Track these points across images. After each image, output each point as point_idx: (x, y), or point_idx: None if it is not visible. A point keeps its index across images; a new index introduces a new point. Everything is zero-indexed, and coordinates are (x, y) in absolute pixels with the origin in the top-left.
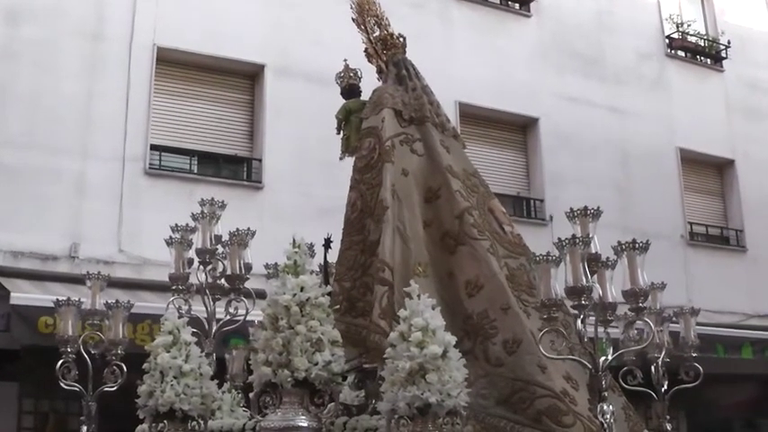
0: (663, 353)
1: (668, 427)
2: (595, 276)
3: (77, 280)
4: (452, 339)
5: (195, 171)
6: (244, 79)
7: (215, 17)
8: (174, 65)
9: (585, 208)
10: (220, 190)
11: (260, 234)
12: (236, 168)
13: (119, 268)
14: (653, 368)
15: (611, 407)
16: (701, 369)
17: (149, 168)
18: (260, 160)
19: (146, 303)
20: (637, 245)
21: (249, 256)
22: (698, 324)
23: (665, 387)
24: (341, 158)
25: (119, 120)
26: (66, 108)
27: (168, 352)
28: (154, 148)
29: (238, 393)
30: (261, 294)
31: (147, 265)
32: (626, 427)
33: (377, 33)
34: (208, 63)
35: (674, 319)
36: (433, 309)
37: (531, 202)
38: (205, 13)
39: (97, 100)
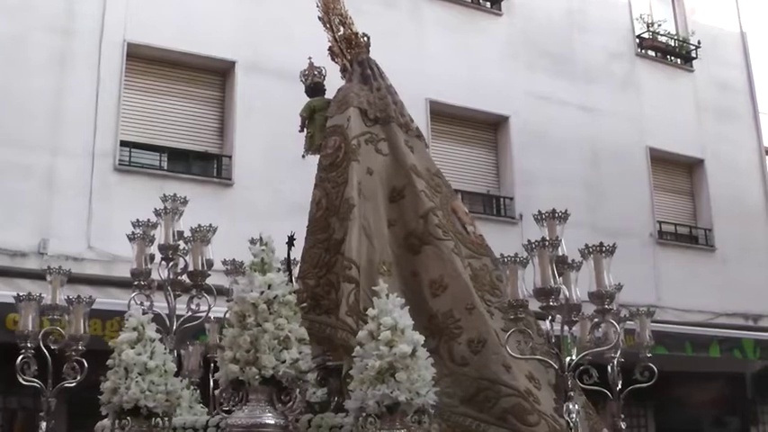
0: (618, 352)
1: (623, 425)
2: (560, 277)
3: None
4: (421, 338)
5: (165, 168)
6: (214, 76)
7: (186, 13)
8: (145, 61)
9: (554, 211)
10: (190, 187)
11: (230, 231)
12: (207, 165)
13: (88, 265)
14: (609, 367)
15: (576, 406)
16: (655, 369)
17: (119, 165)
18: (230, 157)
19: (115, 300)
20: (604, 248)
21: (211, 252)
22: (666, 322)
23: (620, 386)
24: (304, 156)
25: (89, 116)
26: (35, 104)
27: (133, 348)
28: (124, 144)
29: (196, 389)
30: (225, 291)
31: (117, 261)
32: (587, 426)
33: (341, 32)
34: (178, 59)
35: (627, 316)
36: (402, 308)
37: (501, 200)
38: (176, 9)
39: (67, 96)
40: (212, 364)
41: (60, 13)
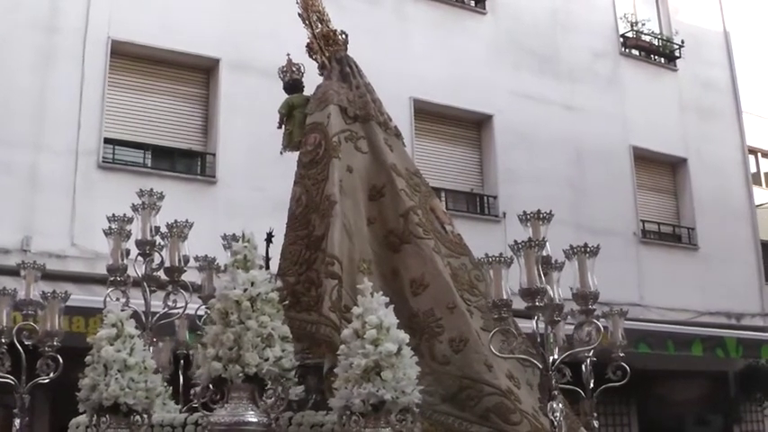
0: (591, 351)
1: (596, 424)
2: (544, 277)
3: None
4: (406, 337)
5: (149, 165)
6: (198, 73)
7: (170, 11)
8: (129, 58)
9: (539, 211)
10: (174, 184)
11: (213, 228)
12: (191, 163)
13: (71, 262)
14: (583, 366)
15: (560, 405)
16: (628, 368)
17: (103, 162)
18: (214, 155)
19: (98, 297)
20: (588, 249)
21: (187, 248)
22: (649, 321)
23: (592, 385)
24: (282, 153)
25: (72, 113)
26: (19, 101)
27: (112, 345)
28: (107, 141)
29: (169, 386)
30: (199, 288)
31: (100, 258)
32: (565, 425)
33: (319, 29)
34: (162, 57)
35: (599, 315)
36: (386, 306)
37: (485, 198)
38: (160, 6)
39: (51, 93)
40: (182, 361)
41: (44, 11)
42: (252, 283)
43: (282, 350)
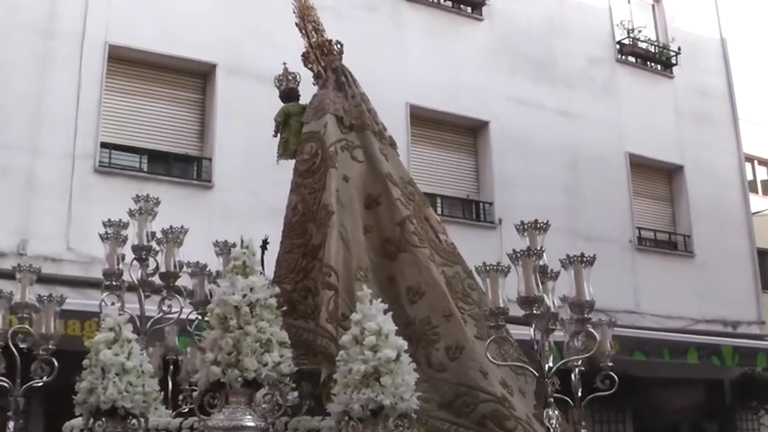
0: (579, 361)
1: None
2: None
3: None
4: (404, 344)
5: (145, 169)
6: (195, 78)
7: (167, 16)
8: (126, 63)
9: (536, 221)
10: (170, 189)
11: (209, 233)
12: (187, 167)
13: (67, 266)
14: (572, 375)
15: (556, 412)
16: (616, 377)
17: (99, 166)
18: (210, 159)
19: (94, 301)
20: (584, 258)
21: (182, 253)
22: (645, 328)
23: (581, 394)
24: (278, 161)
25: (69, 117)
26: (16, 104)
27: (110, 348)
28: (104, 145)
29: (160, 392)
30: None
31: (96, 262)
32: None
33: (314, 39)
34: (159, 62)
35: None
36: (385, 313)
37: (481, 205)
38: (157, 11)
39: (48, 97)
40: (171, 366)
41: (42, 15)
42: (251, 289)
43: (281, 355)
